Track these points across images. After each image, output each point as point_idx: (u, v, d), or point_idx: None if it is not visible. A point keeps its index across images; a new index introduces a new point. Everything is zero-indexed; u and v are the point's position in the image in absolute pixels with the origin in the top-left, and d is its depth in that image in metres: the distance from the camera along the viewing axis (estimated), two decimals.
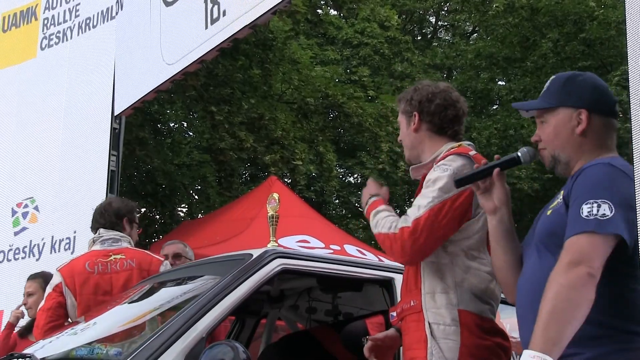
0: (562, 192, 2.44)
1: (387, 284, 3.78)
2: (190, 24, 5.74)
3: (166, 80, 6.16)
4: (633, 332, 2.26)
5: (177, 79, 6.19)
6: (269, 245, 3.72)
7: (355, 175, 22.41)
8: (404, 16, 24.65)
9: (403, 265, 3.68)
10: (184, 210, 15.48)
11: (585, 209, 2.25)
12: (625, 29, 2.14)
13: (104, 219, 4.66)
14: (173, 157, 14.30)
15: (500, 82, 19.47)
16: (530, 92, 16.53)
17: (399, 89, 18.97)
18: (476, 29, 27.03)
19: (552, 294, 2.18)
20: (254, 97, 12.72)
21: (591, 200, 2.25)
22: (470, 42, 21.85)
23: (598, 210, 2.23)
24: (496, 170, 2.63)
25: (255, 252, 3.53)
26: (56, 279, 4.42)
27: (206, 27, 5.48)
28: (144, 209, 14.74)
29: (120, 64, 7.23)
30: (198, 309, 3.17)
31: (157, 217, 14.65)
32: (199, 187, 14.95)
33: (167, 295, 3.80)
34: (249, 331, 4.95)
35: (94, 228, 4.68)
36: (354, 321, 3.95)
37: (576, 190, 2.33)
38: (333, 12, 20.51)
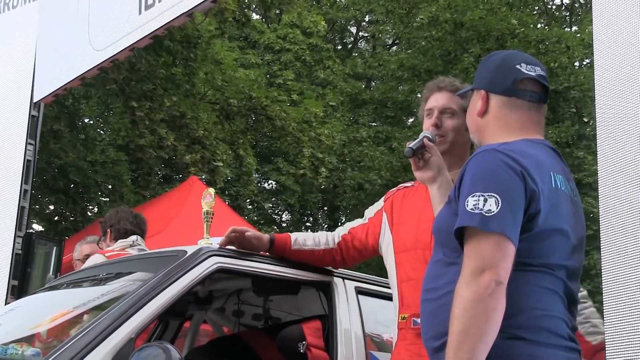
0: None
1: (326, 287, 3.60)
2: (123, 8, 5.45)
3: (93, 67, 5.84)
4: (517, 337, 2.12)
5: (105, 66, 5.88)
6: (202, 243, 3.49)
7: (270, 182, 22.28)
8: (325, 24, 24.67)
9: (339, 269, 3.61)
10: (95, 210, 15.06)
11: (470, 202, 2.12)
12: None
13: (141, 229, 4.86)
14: (86, 153, 13.85)
15: (418, 95, 19.61)
16: None
17: (321, 96, 18.93)
18: (396, 41, 27.36)
19: (459, 311, 2.05)
20: (176, 94, 12.41)
21: (478, 193, 2.12)
22: (392, 54, 21.95)
23: (484, 205, 2.10)
24: (425, 138, 2.93)
25: (190, 249, 3.32)
26: None
27: (140, 13, 5.21)
28: (54, 206, 14.29)
29: (42, 48, 6.83)
30: (127, 308, 2.93)
31: (68, 214, 14.16)
32: (111, 186, 14.54)
33: (94, 292, 3.54)
34: (171, 334, 4.68)
35: (132, 232, 4.77)
36: (289, 325, 3.75)
37: (464, 181, 2.20)
38: (255, 16, 20.35)
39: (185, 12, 4.82)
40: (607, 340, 2.44)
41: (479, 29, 16.10)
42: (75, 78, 6.09)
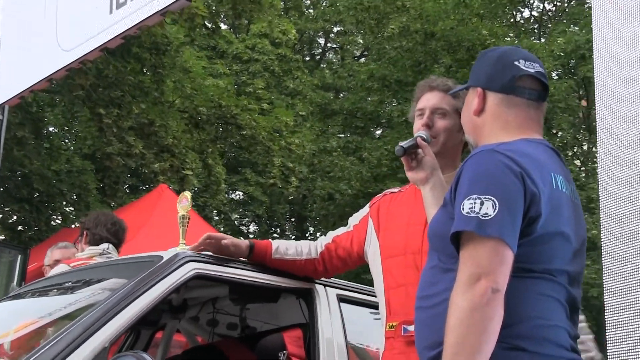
0: None
1: (307, 294, 3.47)
2: (93, 6, 5.26)
3: (61, 68, 5.64)
4: (518, 348, 2.01)
5: (75, 67, 5.69)
6: (178, 248, 3.34)
7: (238, 193, 22.14)
8: (296, 33, 24.65)
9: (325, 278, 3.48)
10: (59, 219, 14.81)
11: (466, 205, 2.00)
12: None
13: (117, 238, 4.67)
14: (51, 162, 13.60)
15: (389, 105, 19.61)
16: None
17: (290, 106, 18.84)
18: (365, 52, 27.42)
19: (454, 320, 1.94)
20: (144, 102, 12.21)
21: (474, 195, 2.00)
22: (362, 64, 21.97)
23: (480, 208, 1.98)
24: (419, 138, 2.84)
25: (166, 254, 3.18)
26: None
27: (111, 12, 5.04)
28: (18, 215, 14.01)
29: (6, 48, 6.60)
30: (100, 315, 2.79)
31: (32, 223, 13.88)
32: (76, 196, 14.29)
33: (64, 300, 3.38)
34: (143, 344, 4.50)
35: (106, 240, 4.60)
36: (269, 334, 3.61)
37: (460, 183, 2.09)
38: (224, 26, 20.25)
39: (159, 11, 4.66)
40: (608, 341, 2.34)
41: (450, 39, 16.13)
42: (42, 79, 5.90)
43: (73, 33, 5.57)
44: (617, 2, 2.51)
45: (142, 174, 15.26)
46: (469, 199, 2.01)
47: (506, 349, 1.98)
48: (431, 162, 2.85)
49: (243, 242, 3.33)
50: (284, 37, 20.56)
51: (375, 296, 3.16)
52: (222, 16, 14.68)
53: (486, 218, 1.97)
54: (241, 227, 23.45)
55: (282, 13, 22.53)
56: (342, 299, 3.57)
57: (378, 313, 3.12)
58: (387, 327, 2.95)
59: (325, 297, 3.50)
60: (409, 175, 2.89)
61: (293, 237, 22.47)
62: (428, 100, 3.06)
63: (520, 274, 2.03)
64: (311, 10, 25.40)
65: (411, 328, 2.82)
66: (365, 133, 19.33)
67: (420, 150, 2.85)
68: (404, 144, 2.87)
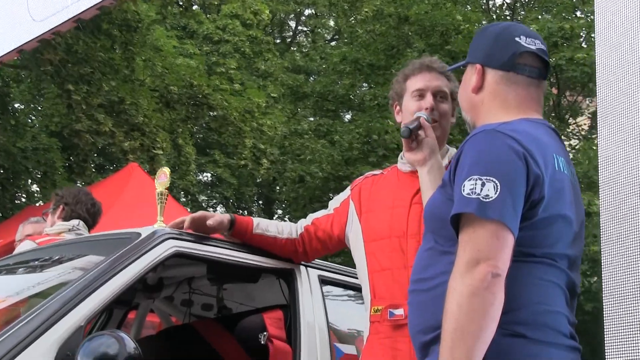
0: None
1: (288, 275, 3.38)
2: None
3: (32, 39, 5.46)
4: (518, 335, 1.95)
5: (47, 38, 5.51)
6: (156, 225, 3.23)
7: (206, 174, 21.97)
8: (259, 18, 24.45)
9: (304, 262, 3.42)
10: (24, 197, 14.55)
11: (467, 186, 1.94)
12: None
13: (94, 221, 4.60)
14: (16, 139, 13.33)
15: (360, 89, 19.54)
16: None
17: (262, 87, 18.68)
18: (335, 36, 27.29)
19: (453, 306, 1.87)
20: (115, 79, 11.98)
21: (475, 176, 1.94)
22: (334, 47, 21.85)
23: (482, 189, 1.92)
24: (422, 118, 2.83)
25: (144, 231, 3.08)
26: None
27: None
28: None
29: None
30: (77, 293, 2.68)
31: None
32: (40, 175, 14.03)
33: (39, 277, 3.24)
34: (115, 324, 4.38)
35: (77, 216, 4.48)
36: (249, 315, 3.51)
37: (460, 164, 2.02)
38: (194, 6, 20.01)
39: None
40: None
41: (424, 24, 16.05)
42: (12, 50, 5.71)
43: (45, 3, 5.39)
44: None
45: (110, 153, 15.03)
46: (469, 180, 1.95)
47: (506, 335, 1.92)
48: (432, 143, 2.83)
49: (224, 217, 3.23)
50: (255, 18, 20.37)
51: (357, 278, 3.10)
52: None
53: (487, 200, 1.91)
54: (208, 209, 23.27)
55: None
56: (323, 280, 3.51)
57: (360, 295, 3.06)
58: (372, 310, 2.89)
59: (307, 278, 3.43)
60: (407, 155, 2.86)
61: None
62: (429, 81, 3.00)
63: (521, 258, 1.97)
64: None
65: (398, 312, 2.79)
66: (337, 116, 19.23)
67: (421, 132, 2.82)
68: (409, 124, 2.83)
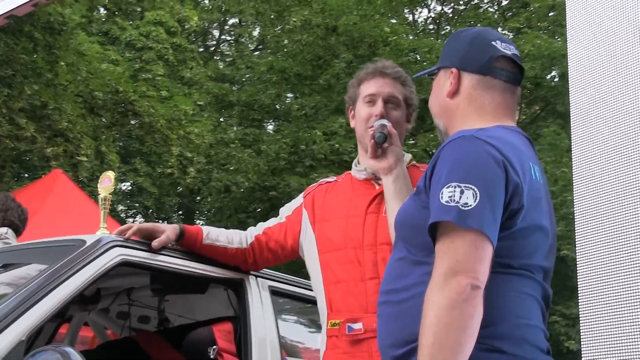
0: None
1: (238, 286, 3.24)
2: None
3: None
4: (496, 350, 1.88)
5: None
6: (99, 233, 3.05)
7: (125, 183, 21.53)
8: (187, 25, 24.24)
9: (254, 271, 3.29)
10: None
11: (446, 193, 1.87)
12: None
13: (24, 227, 4.52)
14: None
15: (286, 98, 19.49)
16: (321, 110, 16.60)
17: (188, 95, 18.43)
18: (259, 46, 27.20)
19: (431, 319, 1.79)
20: (37, 83, 11.57)
21: (453, 183, 1.87)
22: (261, 56, 21.77)
23: (460, 197, 1.84)
24: (389, 126, 2.76)
25: (89, 239, 2.90)
26: None
27: None
28: None
29: None
30: (16, 305, 2.49)
31: None
32: None
33: None
34: (46, 337, 4.13)
35: (9, 223, 4.39)
36: (197, 328, 3.34)
37: (437, 171, 1.94)
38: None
39: None
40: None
41: (353, 35, 16.12)
42: None
43: None
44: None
45: (27, 160, 14.54)
46: (447, 187, 1.87)
47: (484, 350, 1.84)
48: (398, 151, 2.77)
49: (172, 232, 3.06)
50: (179, 26, 20.14)
51: (310, 290, 3.00)
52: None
53: (466, 208, 1.83)
54: (127, 219, 22.81)
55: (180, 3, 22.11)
56: (274, 292, 3.38)
57: (313, 308, 2.95)
58: (329, 324, 2.78)
59: (257, 289, 3.30)
60: (371, 163, 2.78)
61: None
62: (382, 87, 2.92)
63: (498, 269, 1.89)
64: (207, 1, 25.03)
65: (356, 326, 2.69)
66: (262, 126, 19.16)
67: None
68: (382, 130, 2.76)
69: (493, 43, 2.18)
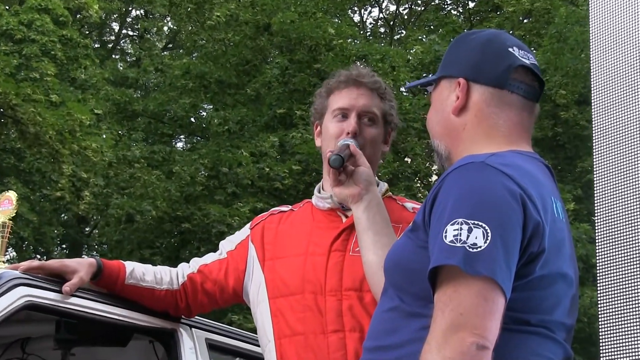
0: None
1: (168, 337, 3.22)
2: None
3: None
4: None
5: None
6: None
7: None
8: (79, 15, 24.05)
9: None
10: None
11: (450, 232, 1.86)
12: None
13: None
14: None
15: (204, 110, 19.44)
16: (248, 125, 16.59)
17: (82, 101, 18.22)
18: (169, 44, 27.09)
19: None
20: None
21: (460, 220, 1.86)
22: (175, 57, 21.72)
23: (468, 237, 1.84)
24: (352, 145, 2.79)
25: None
26: None
27: None
28: None
29: None
30: None
31: None
32: None
33: None
34: None
35: None
36: None
37: (439, 204, 1.94)
38: None
39: None
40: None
41: (289, 35, 16.18)
42: None
43: None
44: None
45: None
46: (452, 224, 1.86)
47: None
48: (367, 174, 2.78)
49: (85, 262, 3.02)
50: (70, 15, 19.93)
51: (257, 345, 3.01)
52: None
53: (475, 250, 1.83)
54: None
55: None
56: (212, 346, 3.40)
57: None
58: None
59: (192, 342, 3.29)
60: (337, 191, 2.80)
61: None
62: (356, 99, 2.95)
63: (512, 325, 1.90)
64: None
65: None
66: (174, 143, 19.07)
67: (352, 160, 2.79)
68: (338, 151, 2.77)
69: (510, 50, 2.18)
